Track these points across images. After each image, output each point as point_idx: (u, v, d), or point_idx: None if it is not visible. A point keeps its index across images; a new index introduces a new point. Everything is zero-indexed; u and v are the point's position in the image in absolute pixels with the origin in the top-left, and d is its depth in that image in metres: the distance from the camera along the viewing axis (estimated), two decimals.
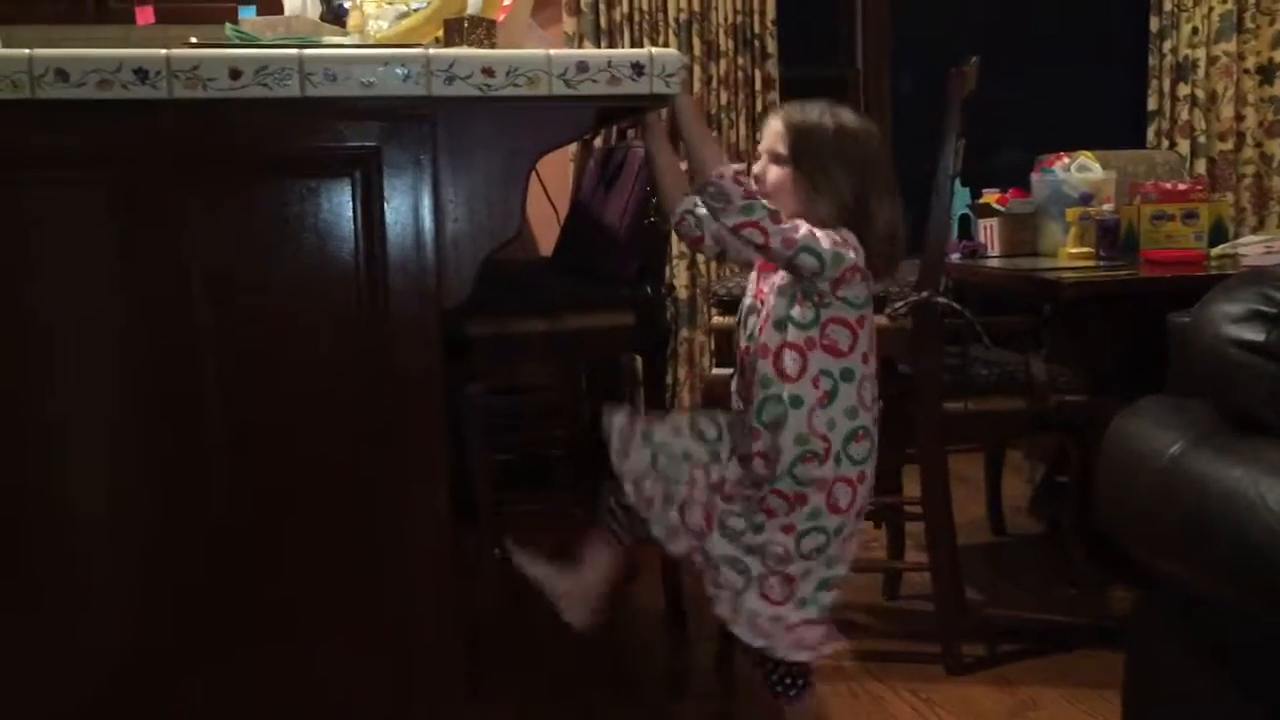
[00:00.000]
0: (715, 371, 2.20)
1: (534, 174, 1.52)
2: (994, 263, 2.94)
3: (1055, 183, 2.93)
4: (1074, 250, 2.77)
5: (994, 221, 3.01)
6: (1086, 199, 2.87)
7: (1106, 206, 2.84)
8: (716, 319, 2.48)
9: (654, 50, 1.44)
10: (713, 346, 3.43)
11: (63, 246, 1.35)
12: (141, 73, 1.30)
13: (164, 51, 1.30)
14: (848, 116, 1.63)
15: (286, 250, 1.39)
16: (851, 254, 1.55)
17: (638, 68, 1.43)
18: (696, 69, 3.56)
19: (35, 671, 1.39)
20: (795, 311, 1.59)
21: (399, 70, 1.36)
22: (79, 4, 3.02)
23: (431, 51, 1.38)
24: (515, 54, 1.40)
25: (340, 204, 1.39)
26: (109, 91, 1.29)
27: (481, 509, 2.20)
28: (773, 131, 1.64)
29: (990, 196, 3.06)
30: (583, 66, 1.41)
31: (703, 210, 1.62)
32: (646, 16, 3.52)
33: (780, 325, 1.60)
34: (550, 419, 2.93)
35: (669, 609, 2.47)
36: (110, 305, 1.36)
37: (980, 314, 2.53)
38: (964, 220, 3.14)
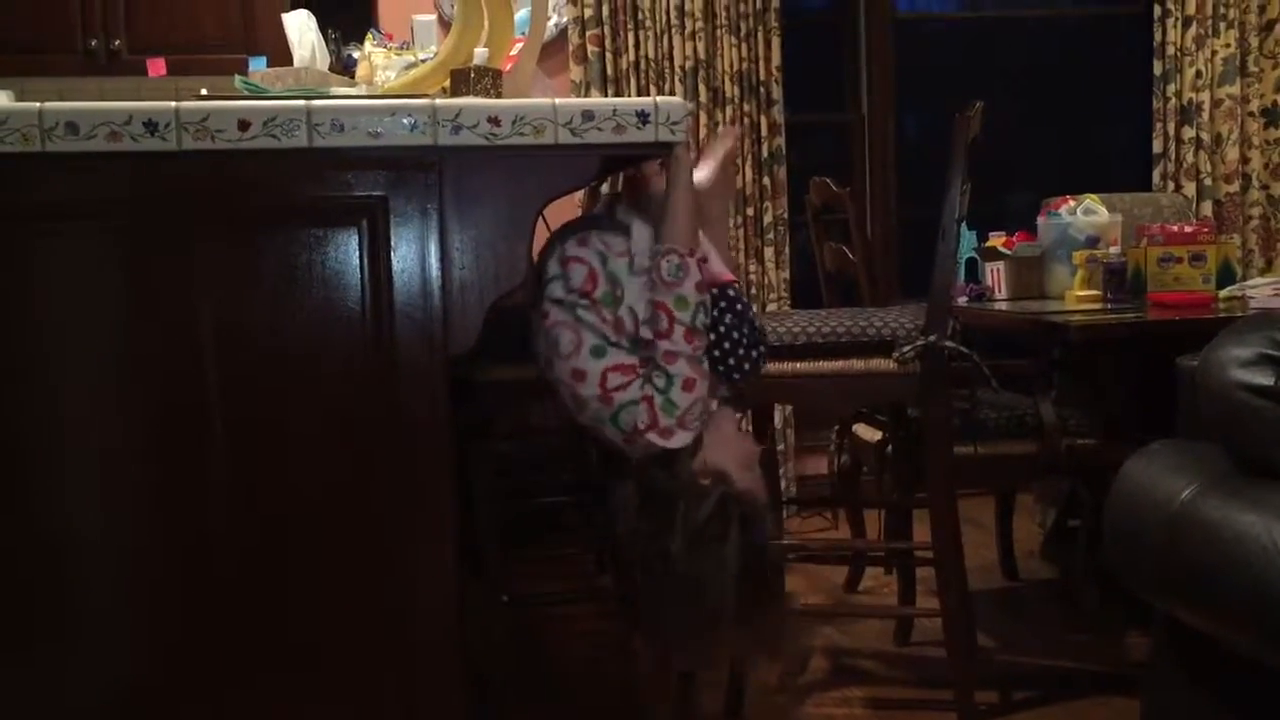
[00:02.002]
0: None
1: (542, 220, 1.52)
2: (1001, 306, 2.94)
3: (1061, 226, 2.94)
4: (1081, 293, 2.77)
5: (1000, 265, 3.01)
6: (1093, 242, 2.87)
7: (1113, 249, 2.85)
8: None
9: (659, 99, 1.45)
10: None
11: (73, 297, 1.35)
12: (151, 125, 1.31)
13: (173, 104, 1.32)
14: None
15: (294, 299, 1.40)
16: None
17: (643, 116, 1.44)
18: (703, 116, 3.59)
19: (30, 709, 1.38)
20: None
21: (405, 120, 1.37)
22: (92, 57, 3.06)
23: (438, 101, 1.39)
24: (521, 103, 1.41)
25: (347, 253, 1.40)
26: (119, 144, 1.31)
27: (488, 554, 2.19)
28: None
29: (997, 240, 3.07)
30: (588, 115, 1.42)
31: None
32: (653, 64, 3.56)
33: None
34: (557, 465, 2.92)
35: None
36: (120, 355, 1.37)
37: (988, 357, 2.53)
38: (970, 264, 3.14)
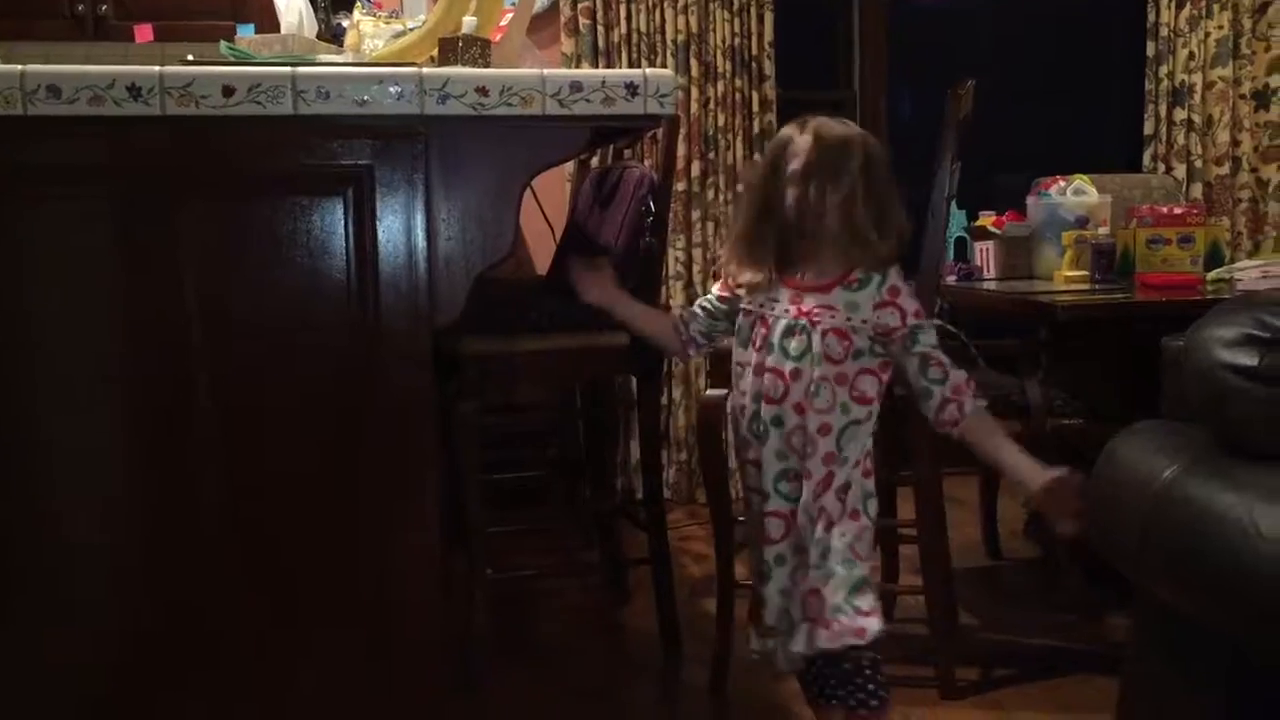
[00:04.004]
0: (709, 393, 2.19)
1: (530, 193, 1.52)
2: (990, 285, 2.94)
3: (1051, 206, 2.94)
4: (1069, 273, 2.77)
5: (990, 244, 3.01)
6: (1082, 222, 2.87)
7: (1102, 230, 2.85)
8: None
9: (648, 71, 1.45)
10: (708, 367, 3.42)
11: (55, 262, 1.34)
12: (135, 90, 1.30)
13: (157, 69, 1.30)
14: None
15: (278, 267, 1.39)
16: None
17: (632, 88, 1.43)
18: (694, 90, 3.57)
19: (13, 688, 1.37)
20: (868, 344, 1.63)
21: (392, 89, 1.36)
22: (79, 22, 3.03)
23: (425, 70, 1.38)
24: (509, 73, 1.40)
25: (333, 222, 1.39)
26: (101, 108, 1.29)
27: (473, 527, 2.19)
28: (802, 147, 1.61)
29: (986, 219, 3.07)
30: (576, 86, 1.41)
31: (686, 315, 1.78)
32: (644, 38, 3.53)
33: (859, 354, 1.62)
34: (544, 439, 2.92)
35: (664, 631, 2.45)
36: (101, 320, 1.36)
37: (976, 337, 2.53)
38: (960, 243, 3.14)
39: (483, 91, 1.38)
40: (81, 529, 1.38)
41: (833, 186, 1.58)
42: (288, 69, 1.34)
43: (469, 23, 1.55)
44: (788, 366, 1.62)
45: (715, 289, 1.78)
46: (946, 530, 2.31)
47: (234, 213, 1.38)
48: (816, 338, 1.61)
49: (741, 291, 1.70)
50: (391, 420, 1.41)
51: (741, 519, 2.16)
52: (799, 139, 1.61)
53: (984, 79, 2.30)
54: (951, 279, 2.98)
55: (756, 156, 3.53)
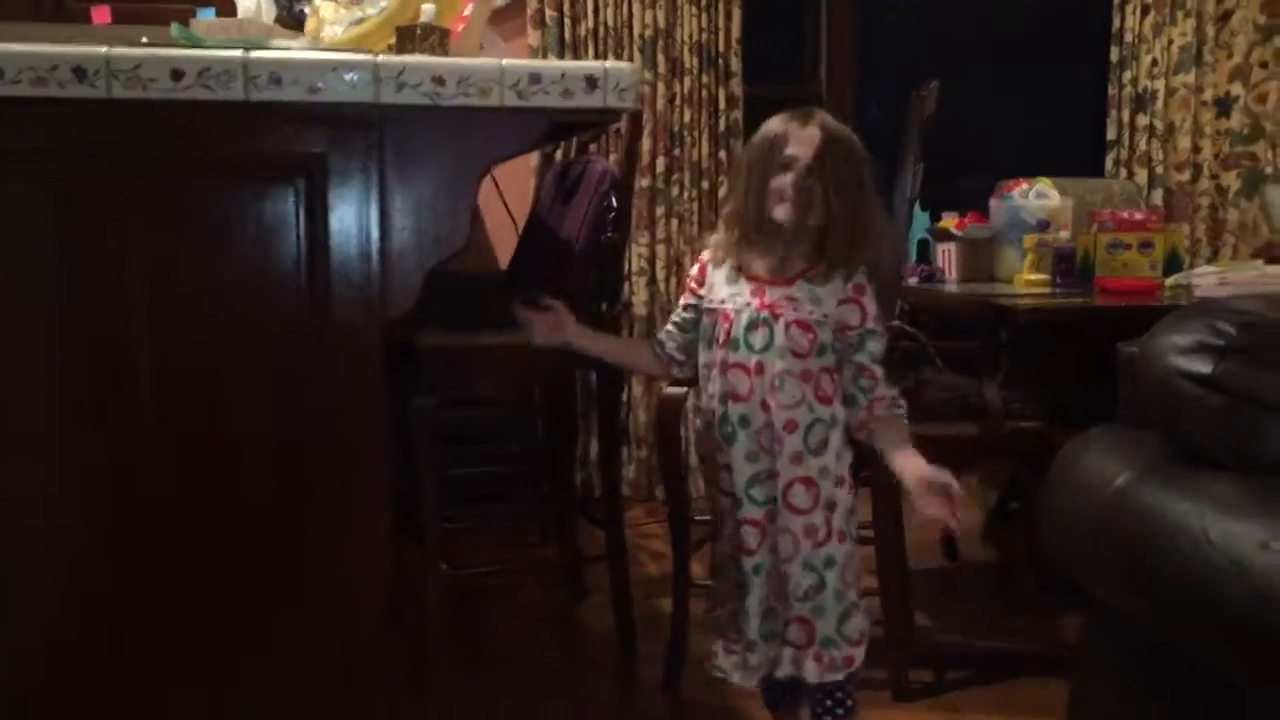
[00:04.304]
0: (668, 390, 2.17)
1: (494, 186, 1.49)
2: (951, 288, 2.95)
3: (1013, 209, 2.95)
4: (1030, 277, 2.78)
5: (952, 246, 3.02)
6: (1044, 226, 2.88)
7: (1063, 234, 2.86)
8: None
9: (608, 64, 1.43)
10: None
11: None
12: (80, 71, 1.27)
13: (104, 50, 1.27)
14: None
15: (227, 256, 1.36)
16: None
17: (591, 81, 1.41)
18: (660, 86, 3.55)
19: None
20: (830, 339, 1.61)
21: (347, 76, 1.33)
22: (37, 3, 2.97)
23: (380, 58, 1.35)
24: (467, 63, 1.37)
25: (283, 211, 1.37)
26: (45, 89, 1.26)
27: (429, 523, 2.16)
28: (810, 139, 1.58)
29: (949, 221, 3.08)
30: (535, 78, 1.39)
31: (662, 336, 1.75)
32: (611, 32, 3.51)
33: (823, 349, 1.60)
34: (503, 434, 2.90)
35: (619, 629, 2.44)
36: (44, 307, 1.33)
37: (936, 338, 2.53)
38: (923, 244, 3.15)
39: (439, 81, 1.35)
40: (23, 516, 1.35)
41: (840, 181, 1.56)
42: (239, 54, 1.31)
43: (428, 10, 1.52)
44: (752, 360, 1.60)
45: (683, 300, 1.74)
46: (904, 532, 2.31)
47: (182, 198, 1.35)
48: (780, 330, 1.59)
49: (703, 291, 1.69)
50: (340, 412, 1.39)
51: (701, 518, 2.15)
52: (802, 130, 1.58)
53: (950, 80, 2.30)
54: (913, 280, 2.98)
55: (739, 146, 3.51)
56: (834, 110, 3.99)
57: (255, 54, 1.32)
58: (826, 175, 1.56)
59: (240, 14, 1.90)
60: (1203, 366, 1.21)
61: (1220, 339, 1.21)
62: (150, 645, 1.38)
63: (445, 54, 1.50)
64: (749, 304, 1.62)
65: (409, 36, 1.49)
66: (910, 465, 1.59)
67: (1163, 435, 1.29)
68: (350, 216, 1.37)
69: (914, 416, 2.39)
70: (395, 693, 1.48)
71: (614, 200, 2.33)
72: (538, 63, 1.33)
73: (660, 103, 3.54)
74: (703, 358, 1.69)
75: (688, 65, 3.59)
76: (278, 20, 2.13)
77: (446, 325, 2.20)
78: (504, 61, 1.39)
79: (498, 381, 2.51)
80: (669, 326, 1.75)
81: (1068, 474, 1.37)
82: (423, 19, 1.51)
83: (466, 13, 1.62)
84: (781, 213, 1.58)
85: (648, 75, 3.52)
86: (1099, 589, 1.32)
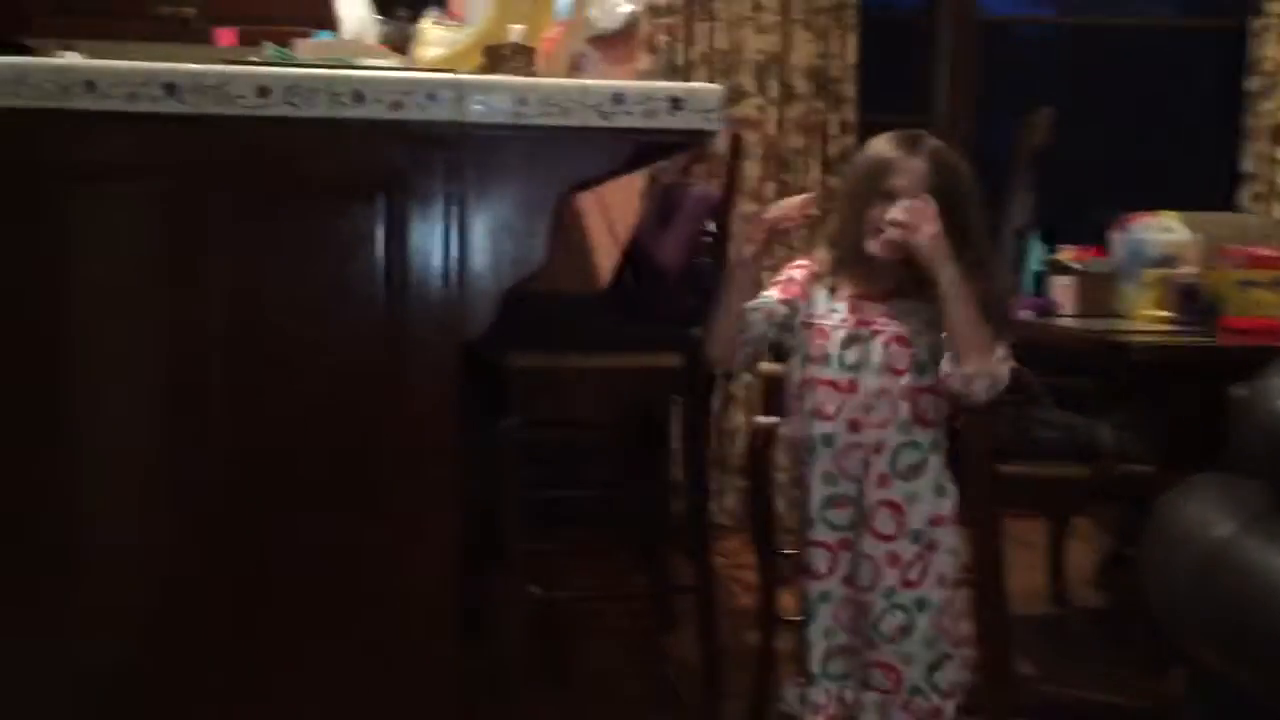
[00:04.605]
0: (759, 419, 2.13)
1: (602, 207, 1.48)
2: (1066, 322, 2.83)
3: (1136, 242, 2.81)
4: (1150, 313, 2.65)
5: (1070, 280, 2.90)
6: (1168, 261, 2.74)
7: (1189, 270, 2.72)
8: (765, 364, 2.41)
9: (694, 85, 1.40)
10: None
11: (88, 257, 1.34)
12: (170, 87, 1.29)
13: (192, 67, 1.30)
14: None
15: (308, 272, 1.38)
16: None
17: (676, 102, 1.38)
18: (772, 111, 3.52)
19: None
20: (928, 358, 1.53)
21: (430, 94, 1.33)
22: (161, 22, 3.08)
23: (464, 77, 1.36)
24: (549, 82, 1.37)
25: (363, 227, 1.37)
26: (136, 105, 1.29)
27: (512, 544, 2.15)
28: (915, 171, 1.52)
29: (1067, 253, 2.95)
30: (619, 99, 1.37)
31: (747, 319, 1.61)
32: (724, 56, 3.49)
33: (923, 368, 1.53)
34: (590, 458, 2.88)
35: (704, 660, 2.39)
36: (131, 318, 1.35)
37: (1049, 375, 2.43)
38: (1040, 277, 3.03)
39: (522, 100, 1.35)
40: (101, 529, 1.37)
41: (947, 217, 1.49)
42: (323, 71, 1.32)
43: (517, 31, 1.52)
44: (844, 378, 1.54)
45: (774, 292, 1.65)
46: (1004, 572, 2.21)
47: (266, 214, 1.37)
48: (877, 346, 1.54)
49: (802, 303, 1.61)
50: (413, 430, 1.39)
51: (789, 552, 2.09)
52: (909, 158, 1.52)
53: (1078, 110, 2.21)
54: (1027, 314, 2.87)
55: (834, 181, 3.45)
56: (951, 139, 3.90)
57: (339, 72, 1.33)
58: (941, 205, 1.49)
59: (345, 35, 1.93)
60: None
61: None
62: (213, 657, 1.39)
63: (531, 74, 1.49)
64: (845, 320, 1.56)
65: (497, 56, 1.49)
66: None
67: (1269, 484, 1.19)
68: (429, 234, 1.37)
69: (1022, 455, 2.32)
70: (465, 711, 1.47)
71: (712, 225, 2.29)
72: (622, 83, 1.32)
73: (771, 128, 3.50)
74: (792, 374, 1.63)
75: (800, 90, 3.54)
76: (383, 42, 2.17)
77: (542, 346, 2.20)
78: (588, 81, 1.38)
79: (583, 405, 2.50)
80: (754, 313, 1.62)
81: (1168, 522, 1.29)
82: (511, 39, 1.50)
83: (553, 33, 1.62)
84: (876, 247, 1.52)
85: (758, 100, 3.49)
86: (1192, 646, 1.23)
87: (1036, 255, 2.99)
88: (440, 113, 1.34)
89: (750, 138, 3.51)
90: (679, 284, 2.29)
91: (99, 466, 1.37)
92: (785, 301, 1.64)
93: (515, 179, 1.38)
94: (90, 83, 1.28)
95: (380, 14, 2.34)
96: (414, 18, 2.55)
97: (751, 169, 3.42)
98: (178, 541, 1.38)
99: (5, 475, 1.34)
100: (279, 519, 1.39)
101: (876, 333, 1.54)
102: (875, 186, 1.52)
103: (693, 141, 1.47)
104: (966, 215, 1.52)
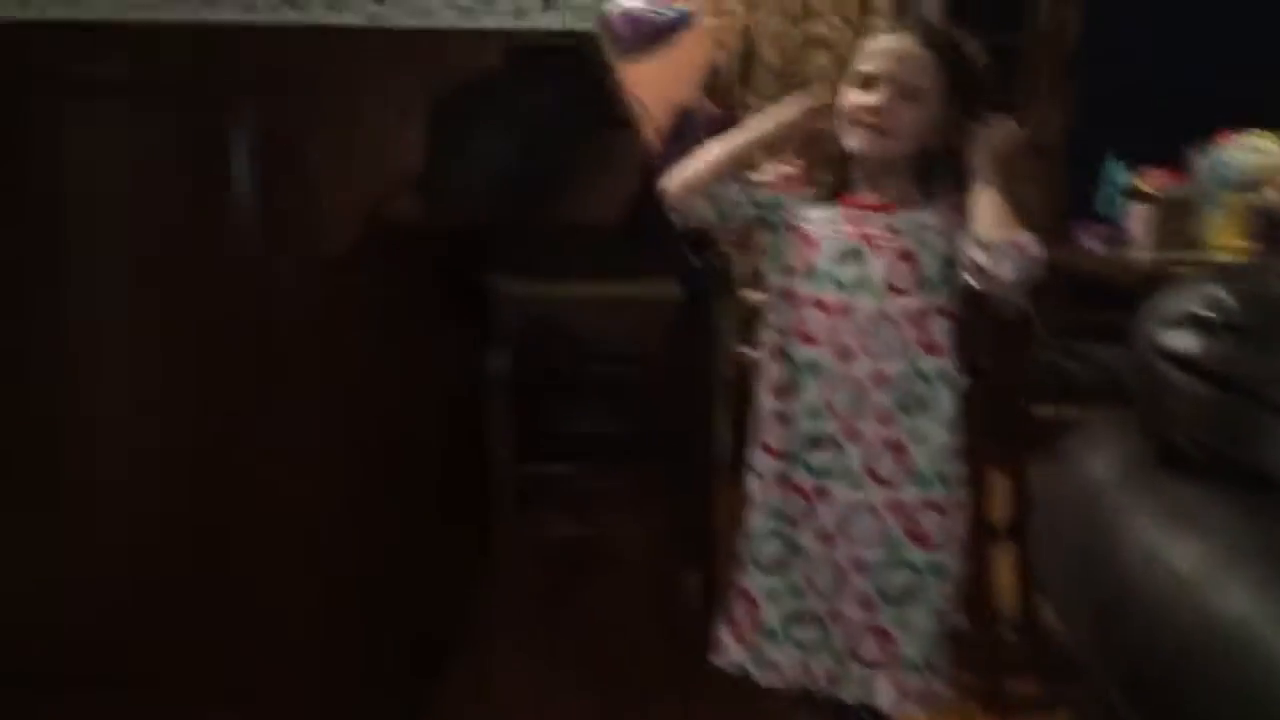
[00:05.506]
0: (743, 350, 2.00)
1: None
2: (1140, 254, 2.58)
3: (1219, 164, 2.53)
4: (1229, 243, 2.39)
5: (1145, 207, 2.64)
6: (1252, 185, 2.46)
7: (1275, 194, 2.43)
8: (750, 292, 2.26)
9: None
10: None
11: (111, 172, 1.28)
12: None
13: None
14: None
15: None
16: None
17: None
18: (847, 31, 3.31)
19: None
20: (939, 271, 1.30)
21: None
22: None
23: None
24: None
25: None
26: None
27: (499, 476, 2.12)
28: (909, 59, 1.30)
29: (1146, 178, 2.68)
30: None
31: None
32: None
33: (931, 285, 1.31)
34: (630, 393, 2.79)
35: (705, 598, 2.30)
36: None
37: (1107, 311, 2.21)
38: (1118, 202, 2.77)
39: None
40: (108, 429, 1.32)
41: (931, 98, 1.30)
42: None
43: None
44: (835, 298, 1.32)
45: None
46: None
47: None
48: (879, 263, 1.31)
49: (793, 197, 1.39)
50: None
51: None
52: (881, 40, 1.33)
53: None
54: (1095, 243, 2.63)
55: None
56: (1054, 55, 3.56)
57: None
58: (908, 93, 1.29)
59: None
60: (1188, 345, 0.94)
61: (1213, 311, 0.93)
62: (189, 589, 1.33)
63: None
64: (840, 230, 1.34)
65: None
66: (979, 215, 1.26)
67: (1144, 429, 1.02)
68: None
69: (1060, 398, 2.12)
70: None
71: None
72: None
73: (844, 49, 3.30)
74: (771, 280, 1.39)
75: (880, 7, 3.32)
76: None
77: (529, 274, 2.12)
78: None
79: (580, 337, 2.41)
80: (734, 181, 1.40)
81: (1055, 474, 1.12)
82: None
83: None
84: (854, 141, 1.32)
85: (833, 19, 3.28)
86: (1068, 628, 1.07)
87: (1115, 177, 2.74)
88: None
89: (820, 59, 3.33)
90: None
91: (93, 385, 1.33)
92: (776, 189, 1.41)
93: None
94: None
95: None
96: None
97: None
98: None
99: None
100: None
101: (877, 248, 1.32)
102: (851, 70, 1.33)
103: (568, 42, 1.35)
104: (966, 93, 1.31)
